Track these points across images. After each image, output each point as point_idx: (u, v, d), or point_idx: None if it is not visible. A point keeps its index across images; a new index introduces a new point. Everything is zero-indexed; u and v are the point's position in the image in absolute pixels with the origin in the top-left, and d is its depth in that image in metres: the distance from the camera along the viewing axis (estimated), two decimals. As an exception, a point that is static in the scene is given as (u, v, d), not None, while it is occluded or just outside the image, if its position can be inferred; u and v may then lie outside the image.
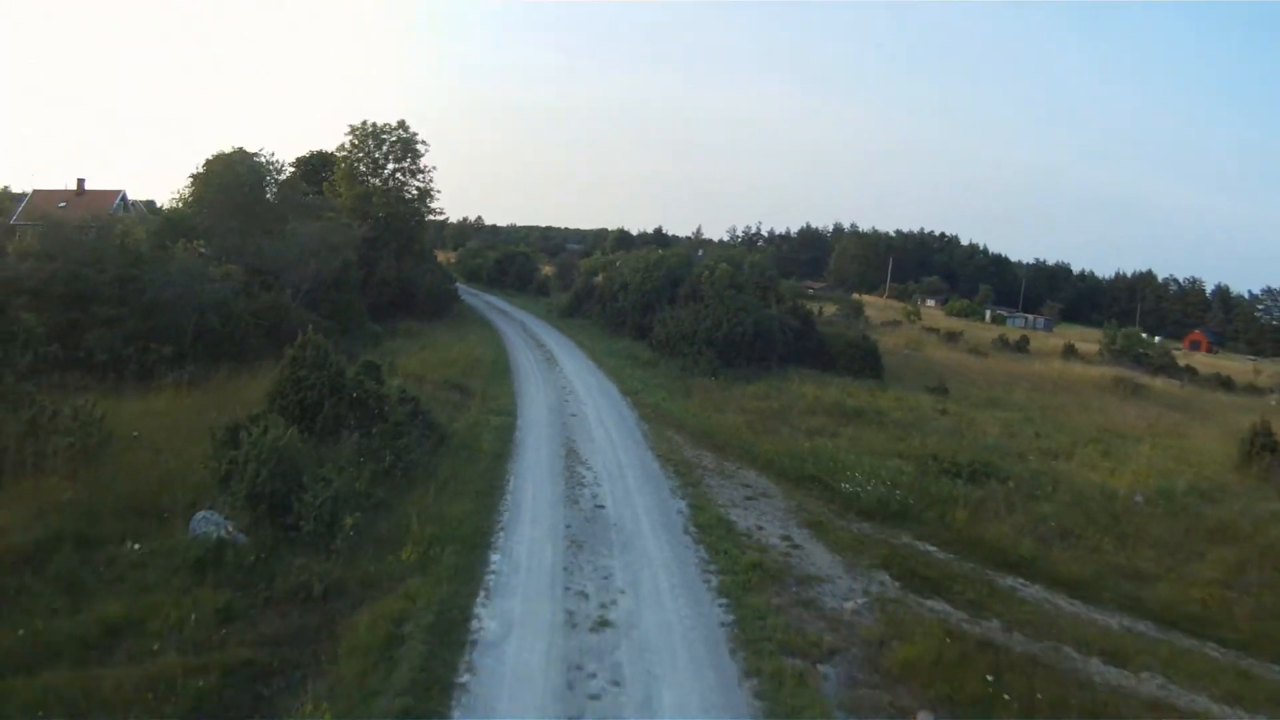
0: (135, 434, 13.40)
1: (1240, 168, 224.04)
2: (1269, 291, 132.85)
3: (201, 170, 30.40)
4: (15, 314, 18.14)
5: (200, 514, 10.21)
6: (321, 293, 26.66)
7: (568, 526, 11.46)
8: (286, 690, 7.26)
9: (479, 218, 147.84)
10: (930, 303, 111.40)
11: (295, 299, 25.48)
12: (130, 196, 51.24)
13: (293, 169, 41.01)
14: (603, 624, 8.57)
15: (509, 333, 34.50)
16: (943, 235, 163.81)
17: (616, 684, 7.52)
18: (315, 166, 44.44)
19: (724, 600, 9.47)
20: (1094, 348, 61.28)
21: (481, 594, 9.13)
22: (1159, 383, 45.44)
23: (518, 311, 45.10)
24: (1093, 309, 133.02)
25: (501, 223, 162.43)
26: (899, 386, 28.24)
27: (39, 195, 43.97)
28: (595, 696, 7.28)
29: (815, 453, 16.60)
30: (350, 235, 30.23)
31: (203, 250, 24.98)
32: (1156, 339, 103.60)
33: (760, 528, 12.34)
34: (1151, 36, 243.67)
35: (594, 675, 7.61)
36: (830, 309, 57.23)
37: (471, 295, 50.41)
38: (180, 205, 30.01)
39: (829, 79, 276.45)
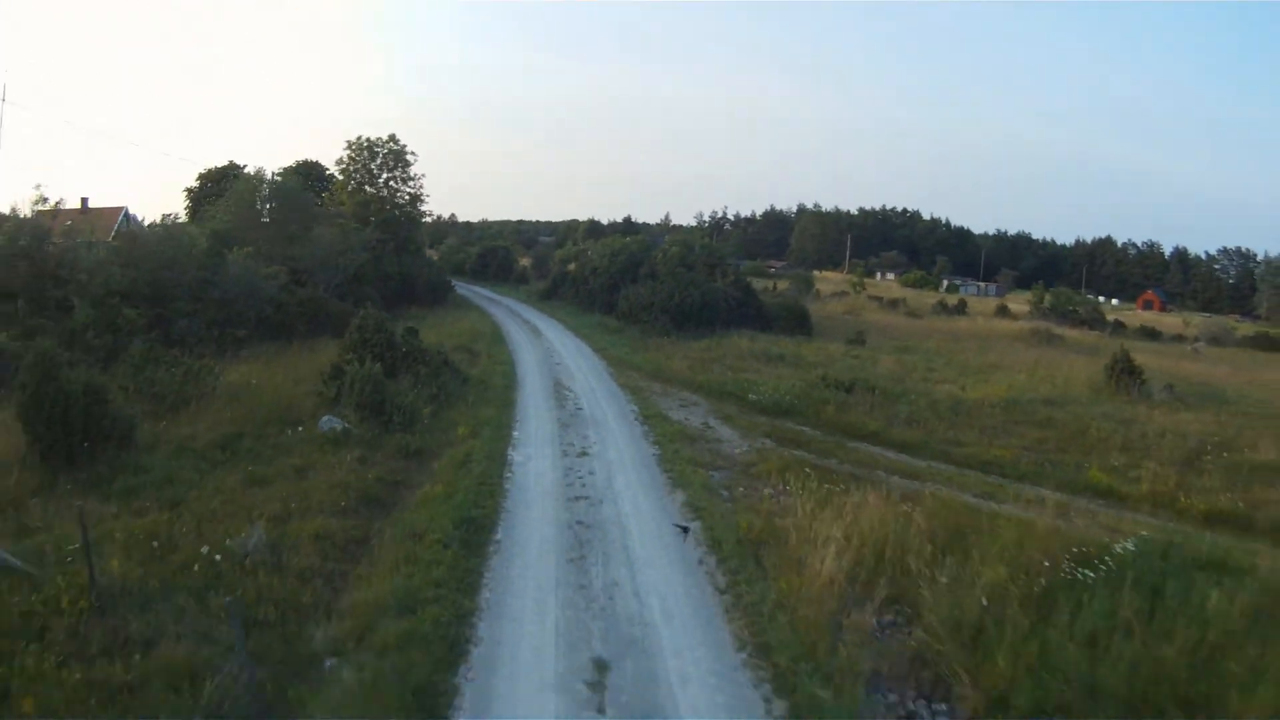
0: (253, 382, 19.20)
1: (1198, 130, 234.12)
2: (1224, 251, 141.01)
3: (228, 187, 36.08)
4: (118, 310, 23.87)
5: (325, 417, 16.07)
6: (346, 286, 32.41)
7: (558, 418, 17.57)
8: (408, 488, 13.18)
9: (452, 215, 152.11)
10: (890, 276, 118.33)
11: (326, 292, 31.21)
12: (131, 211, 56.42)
13: (278, 177, 46.80)
14: (583, 454, 14.72)
15: (498, 313, 40.47)
16: (904, 211, 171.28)
17: (592, 473, 13.65)
18: (304, 174, 49.95)
19: (656, 448, 15.61)
20: (1027, 308, 68.26)
21: (510, 446, 15.19)
22: (1075, 333, 52.15)
23: (503, 298, 51.02)
24: (1055, 275, 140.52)
25: (474, 219, 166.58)
26: (824, 340, 34.58)
27: (42, 214, 48.79)
28: (581, 482, 13.32)
29: (736, 380, 22.78)
30: (362, 238, 35.98)
31: (249, 255, 30.61)
32: (1114, 300, 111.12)
33: (686, 419, 18.47)
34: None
35: (579, 473, 13.69)
36: (784, 284, 63.62)
37: (460, 286, 56.18)
38: (219, 218, 35.46)
39: (789, 65, 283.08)
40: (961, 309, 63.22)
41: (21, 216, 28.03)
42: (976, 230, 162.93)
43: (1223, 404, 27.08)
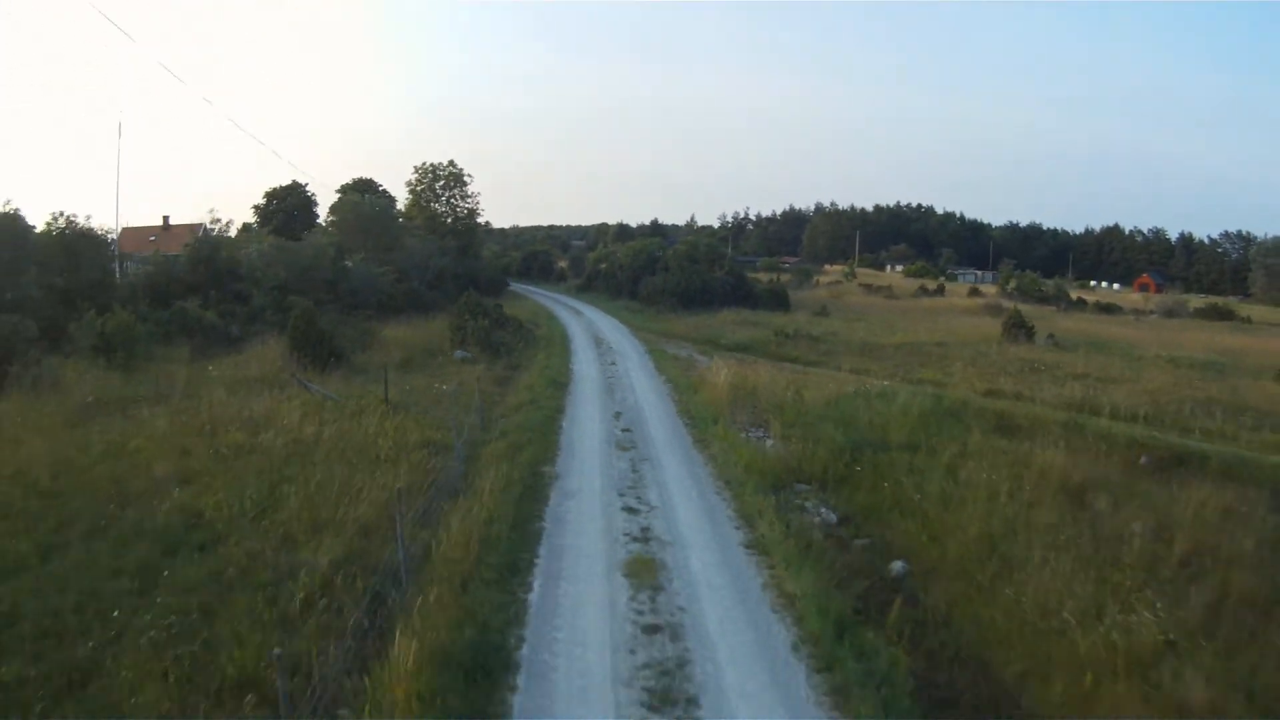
0: (400, 335, 29.95)
1: (1207, 114, 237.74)
2: (1226, 235, 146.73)
3: (335, 203, 47.38)
4: (284, 296, 34.86)
5: (457, 351, 26.74)
6: (433, 281, 43.36)
7: (597, 353, 28.29)
8: (514, 381, 23.66)
9: (487, 222, 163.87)
10: (899, 268, 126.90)
11: (419, 285, 42.11)
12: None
13: (338, 193, 57.66)
14: (612, 364, 25.41)
15: (546, 302, 51.43)
16: (919, 206, 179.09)
17: (616, 370, 24.32)
18: (360, 190, 61.01)
19: (655, 362, 26.15)
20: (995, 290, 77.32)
21: (571, 362, 25.85)
22: (1027, 308, 61.21)
23: (548, 292, 62.05)
24: (1062, 264, 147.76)
25: (506, 225, 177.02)
26: (798, 315, 44.69)
27: (128, 232, 50.97)
28: (612, 373, 23.80)
29: (717, 334, 33.14)
30: (442, 246, 47.01)
31: (362, 260, 41.68)
32: (1115, 285, 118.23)
33: (677, 353, 29.02)
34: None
35: (610, 372, 24.24)
36: (786, 277, 73.57)
37: (511, 284, 67.30)
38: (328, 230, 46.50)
39: (806, 66, 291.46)
40: (940, 292, 72.40)
41: (202, 234, 39.37)
42: (990, 223, 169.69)
43: (1096, 349, 36.56)
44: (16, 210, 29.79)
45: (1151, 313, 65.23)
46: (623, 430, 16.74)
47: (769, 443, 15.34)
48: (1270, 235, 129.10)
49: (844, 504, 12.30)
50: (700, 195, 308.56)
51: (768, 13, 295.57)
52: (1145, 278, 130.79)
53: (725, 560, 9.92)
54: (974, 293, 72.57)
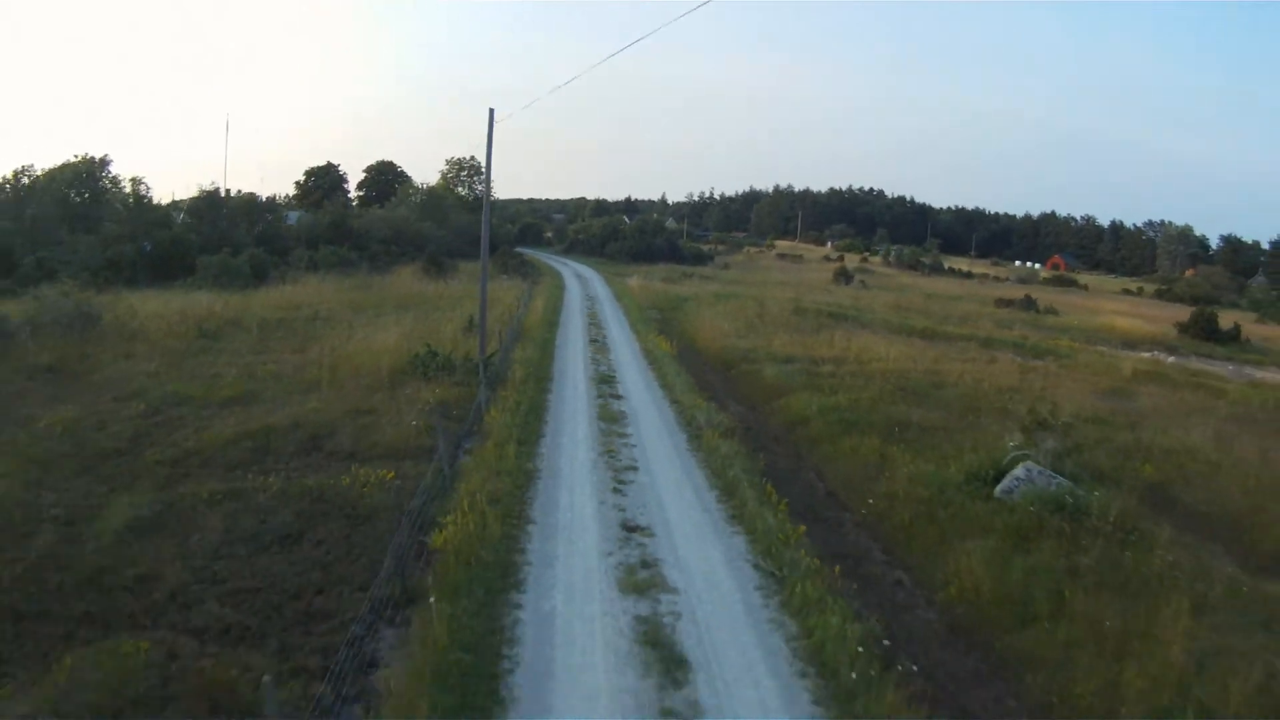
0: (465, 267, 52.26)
1: (1158, 106, 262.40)
2: (1150, 224, 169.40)
3: (403, 189, 69.58)
4: (389, 247, 57.33)
5: (501, 276, 49.17)
6: (469, 241, 65.60)
7: (580, 284, 51.00)
8: (537, 289, 46.14)
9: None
10: (833, 243, 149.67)
11: (462, 243, 64.25)
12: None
13: (365, 175, 80.00)
14: (587, 281, 48.04)
15: (543, 256, 73.94)
16: (870, 190, 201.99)
17: (591, 296, 46.89)
18: (382, 173, 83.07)
19: (606, 282, 48.98)
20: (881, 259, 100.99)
21: (564, 290, 48.48)
22: (888, 270, 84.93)
23: (539, 252, 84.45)
24: (1005, 245, 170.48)
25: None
26: (707, 266, 67.64)
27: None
28: (589, 299, 46.30)
29: (649, 273, 56.11)
30: (474, 218, 69.23)
31: (430, 225, 63.61)
32: (1033, 264, 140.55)
33: (623, 280, 51.72)
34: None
35: (589, 295, 46.83)
36: (721, 246, 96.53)
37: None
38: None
39: (776, 52, 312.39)
40: (841, 259, 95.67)
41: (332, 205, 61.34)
42: (937, 206, 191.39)
43: (895, 291, 59.70)
44: (215, 186, 51.88)
45: (1008, 279, 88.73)
46: (588, 299, 39.68)
47: (651, 312, 38.18)
48: (1182, 223, 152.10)
49: (666, 315, 35.06)
50: (672, 173, 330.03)
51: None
52: (1056, 258, 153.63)
53: (627, 338, 32.30)
54: (864, 260, 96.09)
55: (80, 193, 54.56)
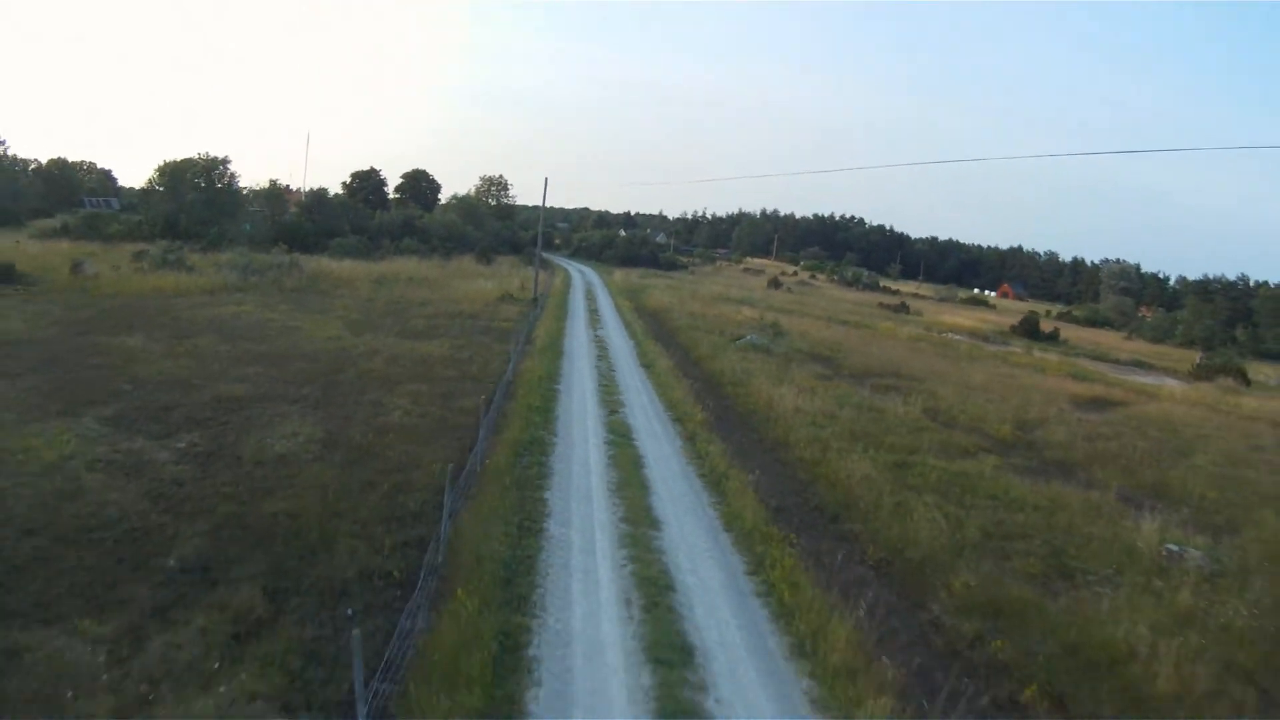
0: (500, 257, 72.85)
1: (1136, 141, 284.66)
2: (1106, 261, 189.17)
3: (448, 200, 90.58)
4: (448, 240, 78.25)
5: (526, 266, 69.75)
6: (505, 241, 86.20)
7: (582, 277, 71.75)
8: (554, 277, 66.74)
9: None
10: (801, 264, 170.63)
11: (495, 243, 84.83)
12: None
13: (401, 180, 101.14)
14: (588, 285, 68.75)
15: (554, 258, 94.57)
16: (853, 218, 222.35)
17: (588, 281, 67.66)
18: (416, 180, 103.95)
19: (601, 276, 69.65)
20: (835, 278, 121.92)
21: (571, 275, 69.25)
22: (827, 285, 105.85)
23: (549, 254, 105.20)
24: (974, 275, 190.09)
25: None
26: (677, 272, 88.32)
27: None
28: (587, 283, 66.97)
29: (631, 274, 76.89)
30: (502, 224, 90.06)
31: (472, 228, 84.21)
32: (989, 291, 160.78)
33: (611, 275, 72.41)
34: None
35: (586, 281, 67.70)
36: (697, 259, 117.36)
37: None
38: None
39: (770, 79, 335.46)
40: (794, 274, 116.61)
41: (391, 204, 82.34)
42: (915, 235, 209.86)
43: (811, 295, 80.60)
44: (279, 182, 72.49)
45: (929, 298, 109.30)
46: (586, 283, 60.50)
47: (625, 291, 58.86)
48: (1123, 259, 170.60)
49: (633, 293, 55.62)
50: (669, 193, 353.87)
51: (754, 13, 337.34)
52: (1005, 286, 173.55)
53: (608, 300, 53.04)
54: (812, 278, 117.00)
55: (211, 183, 74.14)
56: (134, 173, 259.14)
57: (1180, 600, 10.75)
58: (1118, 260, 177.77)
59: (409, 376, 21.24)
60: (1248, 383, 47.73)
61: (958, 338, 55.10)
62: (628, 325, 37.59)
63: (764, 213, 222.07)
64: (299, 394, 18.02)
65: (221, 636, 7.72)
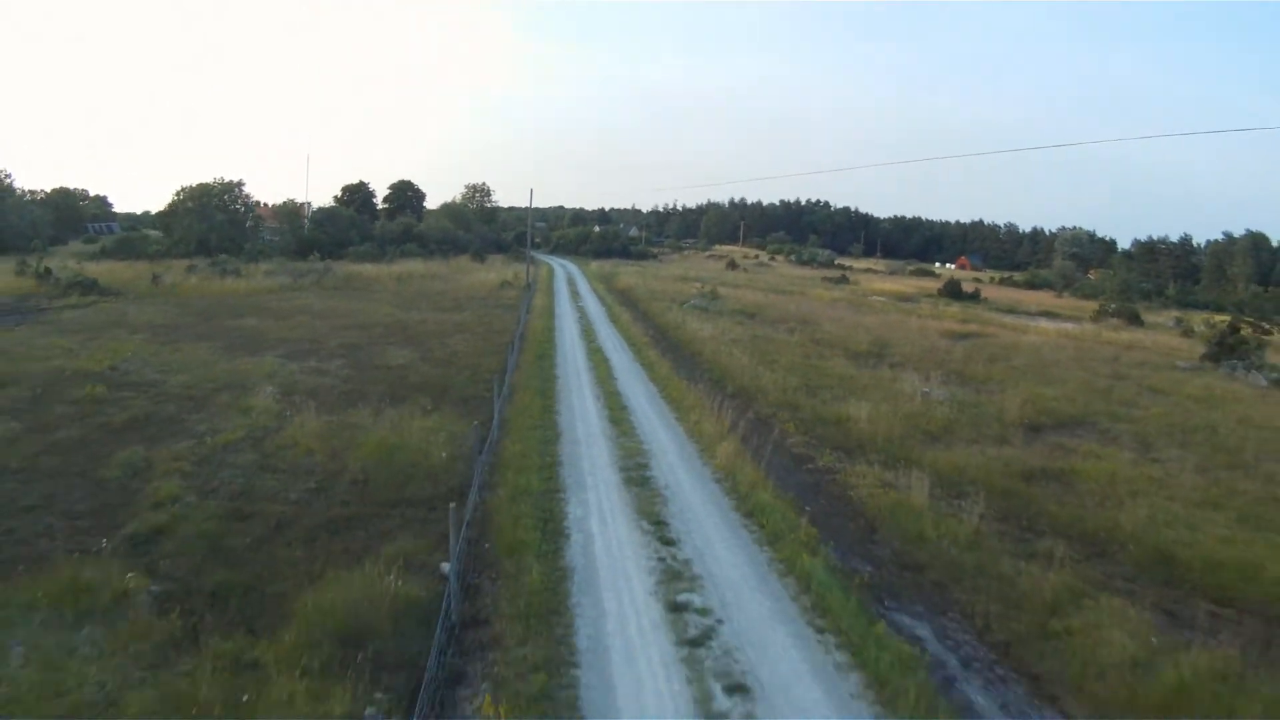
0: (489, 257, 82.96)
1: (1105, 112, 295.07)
2: (1063, 229, 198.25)
3: (441, 205, 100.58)
4: (442, 243, 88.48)
5: (514, 264, 79.98)
6: (490, 242, 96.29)
7: (565, 270, 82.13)
8: (539, 269, 77.00)
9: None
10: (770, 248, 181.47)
11: (482, 244, 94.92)
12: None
13: (389, 190, 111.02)
14: (570, 277, 79.17)
15: (534, 255, 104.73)
16: (818, 201, 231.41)
17: (569, 274, 78.06)
18: (403, 190, 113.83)
19: (578, 266, 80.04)
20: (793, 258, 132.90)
21: (553, 272, 79.57)
22: (782, 265, 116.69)
23: (533, 252, 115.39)
24: (938, 250, 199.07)
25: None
26: (647, 261, 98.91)
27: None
28: (567, 274, 77.32)
29: (605, 264, 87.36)
30: (487, 227, 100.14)
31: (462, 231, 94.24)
32: (948, 265, 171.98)
33: (587, 265, 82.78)
34: None
35: (568, 273, 78.00)
36: (667, 249, 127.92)
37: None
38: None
39: (730, 70, 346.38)
40: (755, 256, 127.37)
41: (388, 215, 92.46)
42: (880, 215, 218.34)
43: (764, 272, 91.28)
44: (299, 200, 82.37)
45: (881, 272, 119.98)
46: (568, 274, 70.69)
47: (600, 278, 69.32)
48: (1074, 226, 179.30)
49: (607, 278, 66.08)
50: (642, 185, 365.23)
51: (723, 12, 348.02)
52: (963, 259, 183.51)
53: (587, 284, 63.40)
54: (772, 258, 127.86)
55: (227, 204, 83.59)
56: (128, 198, 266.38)
57: (906, 407, 21.10)
58: (1074, 227, 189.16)
59: (454, 331, 31.60)
60: (1141, 324, 56.18)
61: (880, 299, 65.73)
62: (601, 298, 48.11)
63: (732, 201, 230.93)
64: (390, 340, 28.38)
65: (420, 410, 18.03)
